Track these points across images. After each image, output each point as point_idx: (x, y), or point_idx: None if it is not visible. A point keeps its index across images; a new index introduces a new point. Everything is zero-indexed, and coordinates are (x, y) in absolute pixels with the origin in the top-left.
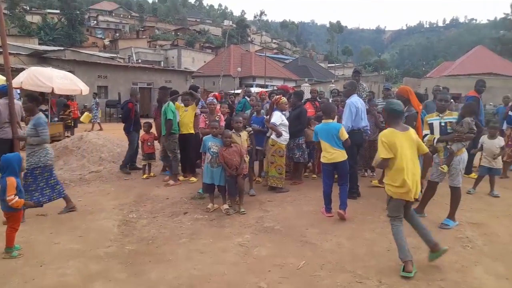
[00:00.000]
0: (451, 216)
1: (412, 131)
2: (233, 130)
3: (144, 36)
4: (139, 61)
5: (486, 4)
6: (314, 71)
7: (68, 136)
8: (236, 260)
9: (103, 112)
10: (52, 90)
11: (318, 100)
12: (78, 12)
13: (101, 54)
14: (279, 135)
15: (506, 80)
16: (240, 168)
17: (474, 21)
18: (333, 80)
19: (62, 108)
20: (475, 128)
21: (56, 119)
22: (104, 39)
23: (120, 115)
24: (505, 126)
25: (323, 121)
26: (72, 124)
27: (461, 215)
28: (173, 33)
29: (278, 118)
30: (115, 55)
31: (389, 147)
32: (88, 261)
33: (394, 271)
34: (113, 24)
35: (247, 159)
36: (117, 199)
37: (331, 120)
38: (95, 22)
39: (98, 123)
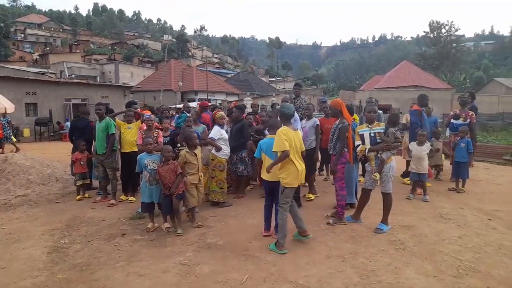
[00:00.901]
0: (385, 220)
1: (299, 132)
2: (185, 149)
3: (78, 51)
4: (73, 76)
5: (409, 22)
6: (256, 85)
7: None
8: (177, 280)
9: (32, 131)
10: None
11: (258, 113)
12: (1, 25)
13: (30, 69)
14: (218, 149)
15: (429, 91)
16: (173, 187)
17: (400, 38)
18: (274, 94)
19: None
20: (400, 137)
21: None
22: (33, 53)
23: (78, 136)
24: (448, 133)
25: (268, 136)
26: None
27: (393, 219)
28: (109, 47)
29: (216, 132)
30: (45, 70)
31: (288, 141)
32: None
33: (334, 278)
34: (43, 38)
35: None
36: (47, 224)
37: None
38: (22, 35)
39: (13, 143)
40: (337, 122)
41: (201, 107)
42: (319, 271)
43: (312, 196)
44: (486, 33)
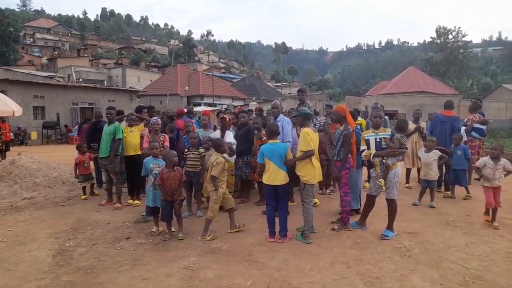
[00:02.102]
0: (390, 227)
1: (317, 133)
2: (221, 156)
3: (86, 55)
4: (80, 80)
5: (416, 28)
6: (261, 90)
7: None
8: (181, 284)
9: (40, 134)
10: None
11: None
12: (11, 29)
13: (38, 73)
14: (233, 154)
15: (435, 97)
16: (177, 195)
17: (406, 43)
18: (279, 99)
19: None
20: (405, 144)
21: None
22: (42, 57)
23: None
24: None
25: (269, 141)
26: (4, 148)
27: (399, 225)
28: (117, 51)
29: (232, 137)
30: (53, 74)
31: (312, 141)
32: None
33: (339, 284)
34: (51, 42)
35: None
36: (52, 227)
37: (277, 140)
38: (31, 39)
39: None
40: (341, 128)
41: (177, 113)
42: (323, 277)
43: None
44: (494, 39)
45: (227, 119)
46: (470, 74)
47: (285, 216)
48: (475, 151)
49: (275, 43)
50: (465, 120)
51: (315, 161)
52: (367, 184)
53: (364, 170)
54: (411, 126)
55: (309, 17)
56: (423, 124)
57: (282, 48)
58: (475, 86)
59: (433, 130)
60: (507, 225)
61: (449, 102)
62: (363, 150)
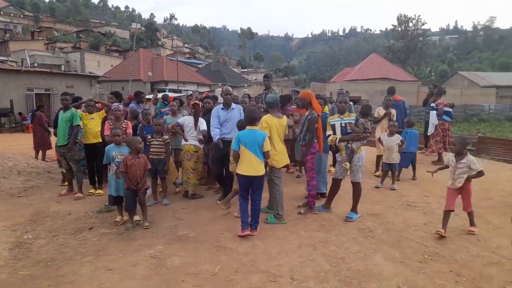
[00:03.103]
0: (354, 209)
1: (284, 118)
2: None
3: (41, 38)
4: (35, 64)
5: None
6: (227, 76)
7: None
8: (147, 273)
9: None
10: None
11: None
12: None
13: None
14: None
15: (396, 84)
16: (141, 183)
17: (369, 31)
18: (246, 85)
19: None
20: (369, 128)
21: None
22: None
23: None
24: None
25: (247, 127)
26: None
27: (362, 208)
28: (74, 35)
29: (205, 125)
30: (5, 58)
31: (267, 128)
32: None
33: (305, 266)
34: (2, 24)
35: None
36: (8, 219)
37: (256, 127)
38: None
39: None
40: (307, 113)
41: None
42: (290, 260)
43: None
44: (451, 27)
45: (199, 105)
46: (428, 61)
47: (259, 207)
48: (446, 133)
49: (241, 29)
50: (434, 105)
51: (278, 145)
52: (332, 169)
53: (330, 154)
54: (381, 112)
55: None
56: (393, 111)
57: (248, 34)
58: (433, 73)
59: None
60: (460, 203)
61: (392, 88)
62: (329, 135)
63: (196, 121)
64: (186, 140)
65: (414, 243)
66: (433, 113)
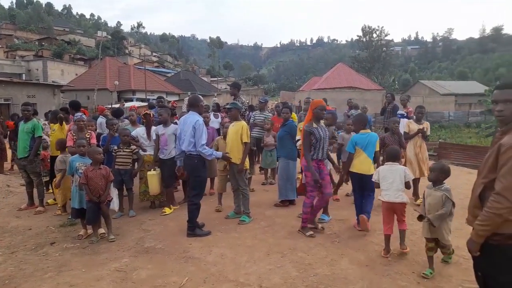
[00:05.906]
0: (325, 212)
1: (241, 124)
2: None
3: (0, 46)
4: None
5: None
6: (197, 84)
7: None
8: (112, 287)
9: None
10: None
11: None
12: None
13: None
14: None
15: (362, 92)
16: (104, 195)
17: (335, 41)
18: (216, 94)
19: None
20: (336, 136)
21: None
22: None
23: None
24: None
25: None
26: None
27: (330, 213)
28: (36, 42)
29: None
30: None
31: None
32: None
33: (274, 274)
34: None
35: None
36: None
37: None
38: None
39: None
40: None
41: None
42: (259, 268)
43: (168, 211)
44: (412, 38)
45: (151, 115)
46: (392, 71)
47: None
48: None
49: (210, 38)
50: (404, 112)
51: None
52: (300, 176)
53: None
54: (414, 127)
55: (244, 12)
56: (426, 124)
57: (217, 43)
58: (396, 82)
59: None
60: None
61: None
62: (298, 140)
63: (148, 132)
64: (144, 150)
65: (379, 246)
66: (403, 121)
